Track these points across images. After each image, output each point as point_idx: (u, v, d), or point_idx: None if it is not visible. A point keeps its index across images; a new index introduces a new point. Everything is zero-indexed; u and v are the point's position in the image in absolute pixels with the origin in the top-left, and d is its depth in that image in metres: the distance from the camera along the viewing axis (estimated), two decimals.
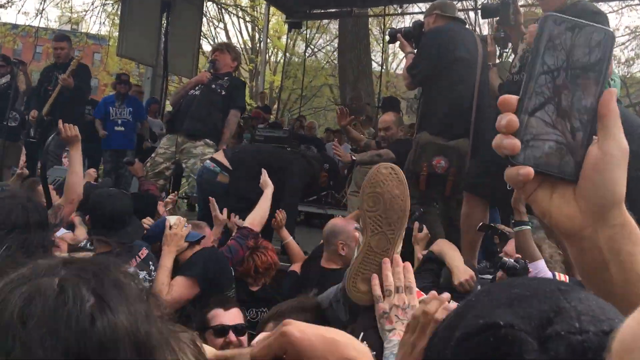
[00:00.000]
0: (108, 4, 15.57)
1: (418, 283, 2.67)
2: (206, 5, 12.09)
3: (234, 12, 20.52)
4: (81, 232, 3.67)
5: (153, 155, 5.19)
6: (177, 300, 2.77)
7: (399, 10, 11.29)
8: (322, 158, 5.13)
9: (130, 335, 0.65)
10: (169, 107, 7.81)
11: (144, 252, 2.90)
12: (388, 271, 1.49)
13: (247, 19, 21.19)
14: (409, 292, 1.47)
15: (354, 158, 4.81)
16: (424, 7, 9.48)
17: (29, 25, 16.04)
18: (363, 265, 1.55)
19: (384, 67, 17.23)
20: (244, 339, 2.52)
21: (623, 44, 18.42)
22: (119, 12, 11.44)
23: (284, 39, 19.60)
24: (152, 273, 2.84)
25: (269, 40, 16.07)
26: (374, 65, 15.67)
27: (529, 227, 2.70)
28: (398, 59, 24.01)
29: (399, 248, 1.55)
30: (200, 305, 2.75)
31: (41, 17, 14.58)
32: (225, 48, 5.49)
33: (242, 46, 21.22)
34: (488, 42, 4.15)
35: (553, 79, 0.65)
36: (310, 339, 0.85)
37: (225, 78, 5.12)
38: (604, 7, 12.48)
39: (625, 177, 0.65)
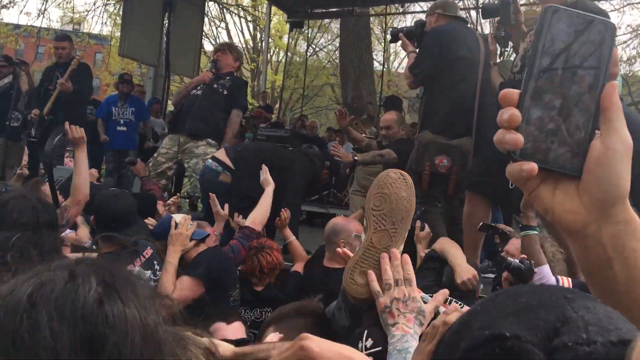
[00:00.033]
0: (110, 4, 15.61)
1: (420, 282, 2.69)
2: (208, 5, 12.09)
3: (236, 11, 20.54)
4: (84, 232, 3.68)
5: (155, 155, 5.20)
6: (182, 300, 2.78)
7: (400, 10, 11.27)
8: (323, 155, 5.13)
9: (138, 325, 0.65)
10: (170, 107, 7.83)
11: (149, 251, 2.90)
12: (387, 265, 1.49)
13: (249, 18, 21.20)
14: (409, 284, 1.47)
15: (355, 158, 4.81)
16: (425, 6, 9.48)
17: (31, 26, 16.09)
18: (363, 260, 1.56)
19: (386, 66, 17.24)
20: None
21: (625, 42, 18.37)
22: (120, 12, 11.45)
23: (285, 38, 19.65)
24: (157, 273, 2.85)
25: (270, 40, 16.08)
26: (376, 64, 15.66)
27: (536, 233, 2.68)
28: (399, 58, 24.04)
29: (401, 247, 1.56)
30: (202, 307, 2.76)
31: (43, 17, 14.64)
32: (227, 48, 5.50)
33: (244, 46, 21.24)
34: (489, 41, 4.16)
35: (554, 72, 0.64)
36: (328, 355, 0.86)
37: (227, 78, 5.13)
38: (605, 5, 12.46)
39: (629, 172, 0.64)
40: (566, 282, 2.58)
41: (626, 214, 0.64)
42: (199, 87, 5.11)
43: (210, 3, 15.07)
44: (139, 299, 0.68)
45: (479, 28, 13.26)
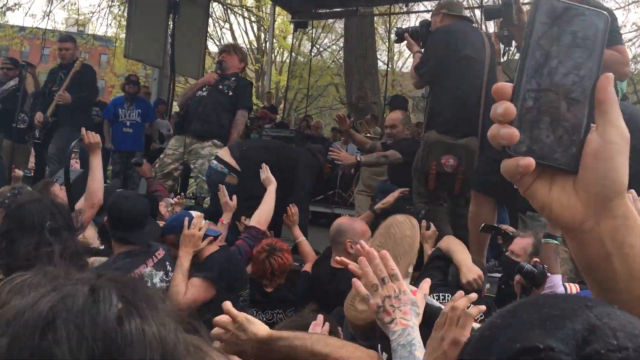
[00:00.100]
0: (114, 5, 15.65)
1: None
2: (212, 6, 12.11)
3: (240, 12, 20.57)
4: (91, 233, 3.70)
5: (161, 156, 5.24)
6: (193, 302, 2.79)
7: (405, 9, 11.26)
8: (325, 150, 5.14)
9: (157, 342, 0.65)
10: (176, 108, 7.86)
11: (161, 252, 2.93)
12: (367, 267, 1.49)
13: (253, 19, 21.24)
14: (395, 279, 1.47)
15: (359, 159, 4.81)
16: (429, 5, 9.50)
17: (36, 28, 16.17)
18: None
19: (390, 65, 17.20)
20: None
21: (630, 40, 18.29)
22: (125, 14, 11.48)
23: (289, 38, 19.62)
24: (169, 274, 2.87)
25: (274, 40, 16.09)
26: (380, 64, 15.67)
27: (556, 243, 2.65)
28: (404, 58, 24.00)
29: (404, 280, 1.57)
30: (212, 307, 2.76)
31: (48, 19, 14.67)
32: (232, 49, 5.52)
33: (248, 46, 21.24)
34: (493, 41, 4.16)
35: (548, 64, 0.62)
36: None
37: (232, 79, 5.16)
38: (610, 3, 12.44)
39: (627, 165, 0.63)
40: (574, 288, 2.57)
41: (624, 209, 0.63)
42: (204, 89, 5.14)
43: (215, 4, 15.09)
44: (159, 316, 0.68)
45: (483, 27, 13.24)
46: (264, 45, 21.30)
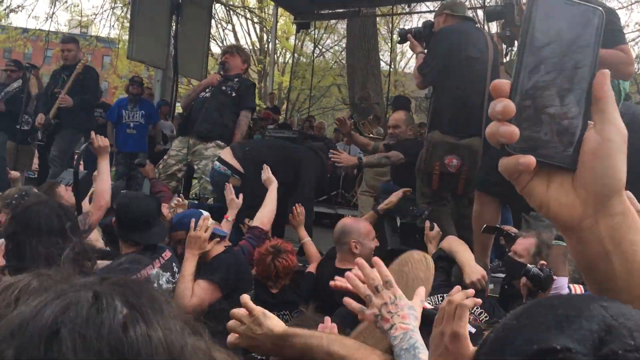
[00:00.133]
0: (117, 7, 15.70)
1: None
2: (214, 7, 12.13)
3: (242, 13, 20.61)
4: (94, 234, 3.71)
5: (165, 157, 5.25)
6: (200, 304, 2.80)
7: (407, 10, 11.26)
8: (326, 146, 5.15)
9: (164, 348, 0.64)
10: (178, 109, 7.87)
11: (168, 254, 2.94)
12: (357, 281, 1.48)
13: (255, 20, 21.26)
14: (390, 285, 1.46)
15: (361, 160, 4.81)
16: (432, 6, 9.49)
17: (39, 29, 16.21)
18: (366, 331, 1.57)
19: (392, 66, 17.21)
20: None
21: (633, 40, 18.26)
22: (128, 15, 11.51)
23: (292, 39, 19.65)
24: (176, 275, 2.88)
25: (277, 41, 16.10)
26: (382, 64, 15.65)
27: (565, 245, 2.64)
28: (406, 58, 24.01)
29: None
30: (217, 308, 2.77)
31: (51, 21, 14.73)
32: (235, 50, 5.54)
33: (251, 47, 21.28)
34: (495, 41, 4.16)
35: (545, 62, 0.62)
36: None
37: (236, 80, 5.18)
38: (613, 3, 12.42)
39: (625, 163, 0.62)
40: (578, 289, 2.56)
41: (623, 206, 0.63)
42: (207, 90, 5.16)
43: (217, 5, 15.12)
44: (164, 319, 0.67)
45: (485, 27, 13.23)
46: (266, 46, 21.32)
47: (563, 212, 0.64)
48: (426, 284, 1.63)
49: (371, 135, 7.56)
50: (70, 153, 6.38)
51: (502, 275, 3.26)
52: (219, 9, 17.61)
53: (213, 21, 12.87)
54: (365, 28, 12.23)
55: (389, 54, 15.08)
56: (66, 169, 6.00)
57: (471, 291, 1.41)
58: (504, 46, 4.34)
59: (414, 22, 18.67)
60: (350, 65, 13.17)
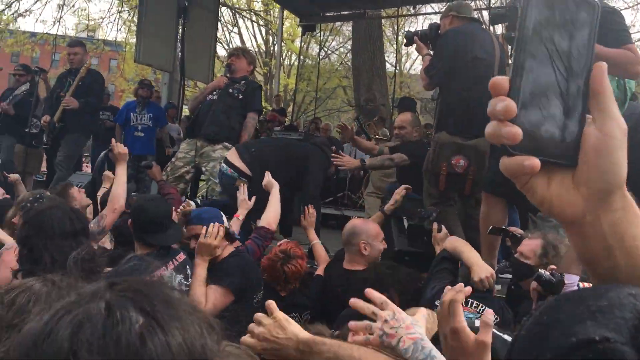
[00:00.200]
0: (124, 10, 15.76)
1: (437, 284, 2.70)
2: (220, 11, 12.18)
3: (248, 16, 20.67)
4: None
5: (173, 159, 5.29)
6: (213, 310, 2.81)
7: (412, 11, 11.26)
8: (329, 141, 5.15)
9: (185, 353, 0.63)
10: (186, 112, 7.89)
11: (182, 256, 2.96)
12: (358, 327, 1.45)
13: (261, 23, 21.32)
14: (386, 305, 1.45)
15: (363, 163, 4.81)
16: (437, 7, 9.48)
17: (46, 33, 16.32)
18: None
19: (398, 67, 17.20)
20: None
21: (639, 40, 18.19)
22: (134, 19, 11.56)
23: (297, 42, 19.69)
24: (189, 278, 2.90)
25: (283, 44, 16.13)
26: (388, 66, 15.66)
27: None
28: (412, 60, 24.00)
29: None
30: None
31: (59, 25, 14.82)
32: (241, 52, 5.57)
33: (257, 50, 21.32)
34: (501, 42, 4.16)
35: (542, 57, 0.61)
36: None
37: (242, 82, 5.20)
38: (618, 3, 12.37)
39: (626, 157, 0.61)
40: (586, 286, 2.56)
41: (624, 201, 0.62)
42: (214, 92, 5.19)
43: (223, 8, 15.17)
44: (181, 322, 0.65)
45: (491, 28, 13.21)
46: (272, 48, 21.38)
47: (564, 209, 0.63)
48: (431, 332, 1.62)
49: (377, 136, 7.56)
50: (75, 158, 6.42)
51: (509, 276, 3.26)
52: (225, 12, 17.69)
53: (219, 24, 12.91)
54: (371, 30, 12.23)
55: (395, 55, 15.13)
56: (74, 173, 6.05)
57: (460, 285, 1.42)
58: (509, 47, 4.35)
59: (419, 23, 18.65)
60: (355, 67, 13.18)
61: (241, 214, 3.74)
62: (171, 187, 4.69)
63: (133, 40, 9.89)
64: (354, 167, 4.80)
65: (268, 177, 3.85)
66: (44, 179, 7.19)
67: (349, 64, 17.80)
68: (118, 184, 3.31)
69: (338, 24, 17.44)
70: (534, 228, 4.05)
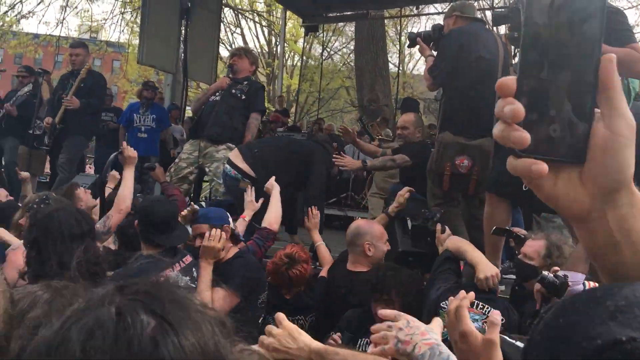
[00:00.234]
0: (127, 12, 15.80)
1: (441, 284, 2.69)
2: (223, 11, 12.18)
3: (251, 17, 20.69)
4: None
5: (177, 160, 5.30)
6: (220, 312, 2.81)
7: (415, 12, 11.27)
8: (330, 139, 5.15)
9: (199, 352, 0.62)
10: (189, 113, 7.90)
11: (188, 258, 2.97)
12: (379, 328, 1.47)
13: (264, 23, 21.34)
14: (399, 317, 1.45)
15: (365, 163, 4.80)
16: (440, 7, 9.47)
17: (49, 35, 16.35)
18: None
19: (401, 68, 17.19)
20: None
21: None
22: (137, 20, 11.58)
23: (300, 42, 19.71)
24: (195, 281, 2.91)
25: (285, 44, 16.14)
26: (391, 66, 15.65)
27: None
28: (415, 60, 24.01)
29: None
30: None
31: (62, 26, 14.84)
32: (243, 52, 5.57)
33: (259, 51, 21.35)
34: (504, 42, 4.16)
35: (548, 56, 0.60)
36: None
37: (245, 82, 5.21)
38: (622, 2, 12.34)
39: (634, 155, 0.61)
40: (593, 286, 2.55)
41: (630, 197, 0.62)
42: (217, 93, 5.19)
43: (226, 9, 15.18)
44: (193, 322, 0.65)
45: (494, 28, 13.19)
46: (275, 49, 21.38)
47: (571, 205, 0.63)
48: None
49: (380, 137, 7.56)
50: (77, 160, 6.42)
51: (513, 277, 3.25)
52: (227, 13, 17.71)
53: (222, 25, 12.92)
54: (374, 30, 12.23)
55: (397, 55, 15.10)
56: (77, 174, 6.06)
57: (462, 293, 1.43)
58: (512, 47, 4.34)
59: (422, 23, 18.67)
60: (358, 68, 13.19)
61: (247, 215, 3.75)
62: (175, 188, 4.69)
63: (136, 42, 9.93)
64: (355, 167, 4.80)
65: (271, 181, 3.85)
66: (47, 180, 7.20)
67: (352, 64, 17.82)
68: (125, 185, 3.34)
69: (341, 24, 17.45)
70: (537, 229, 4.05)
